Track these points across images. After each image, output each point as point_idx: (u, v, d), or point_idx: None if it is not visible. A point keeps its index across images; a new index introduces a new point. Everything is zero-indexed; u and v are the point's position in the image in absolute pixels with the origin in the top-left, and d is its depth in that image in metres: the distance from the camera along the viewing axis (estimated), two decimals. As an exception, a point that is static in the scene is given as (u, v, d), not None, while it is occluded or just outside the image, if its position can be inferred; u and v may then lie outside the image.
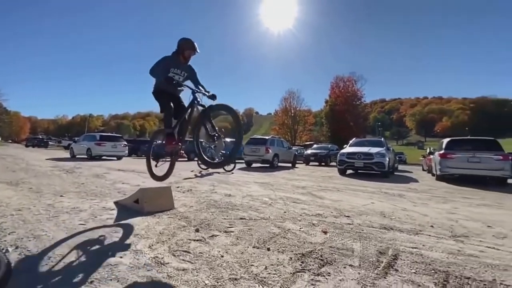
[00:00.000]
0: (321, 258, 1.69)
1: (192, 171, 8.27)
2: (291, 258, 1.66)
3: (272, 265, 1.56)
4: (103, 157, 13.15)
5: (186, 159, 9.86)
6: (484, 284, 1.46)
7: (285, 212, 3.05)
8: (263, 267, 1.52)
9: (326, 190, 5.12)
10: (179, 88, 3.07)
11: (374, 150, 8.98)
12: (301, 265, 1.57)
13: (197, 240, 1.99)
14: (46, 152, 18.87)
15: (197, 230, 2.23)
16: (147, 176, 6.28)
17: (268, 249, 1.80)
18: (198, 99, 2.86)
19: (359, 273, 1.51)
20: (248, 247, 1.85)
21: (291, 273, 1.45)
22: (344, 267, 1.58)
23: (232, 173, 8.20)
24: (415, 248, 2.00)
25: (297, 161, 14.23)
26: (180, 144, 3.06)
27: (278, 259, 1.65)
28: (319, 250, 1.84)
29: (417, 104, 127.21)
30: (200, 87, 2.99)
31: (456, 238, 2.32)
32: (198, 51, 2.94)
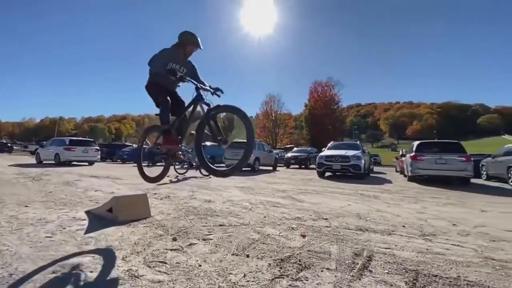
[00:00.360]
0: (299, 262, 1.71)
1: (168, 176, 8.05)
2: (269, 264, 1.66)
3: (251, 272, 1.55)
4: (74, 163, 12.44)
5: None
6: (450, 281, 1.55)
7: (265, 217, 3.06)
8: (241, 275, 1.51)
9: (305, 193, 5.21)
10: (176, 84, 2.81)
11: (350, 153, 9.32)
12: (279, 270, 1.58)
13: (174, 250, 1.93)
14: (10, 158, 17.45)
15: (174, 239, 2.16)
16: (122, 183, 6.03)
17: (247, 256, 1.80)
18: (203, 96, 2.57)
19: (335, 276, 1.55)
20: (227, 254, 1.83)
21: (269, 280, 1.45)
22: (322, 271, 1.61)
23: (210, 177, 8.08)
24: (388, 248, 2.09)
25: (278, 164, 14.37)
26: (179, 144, 2.79)
27: (257, 265, 1.65)
28: (297, 254, 1.86)
29: (390, 109, 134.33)
30: (202, 85, 2.70)
31: (425, 237, 2.46)
32: (201, 47, 2.71)
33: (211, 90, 2.65)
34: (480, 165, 11.10)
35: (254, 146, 2.34)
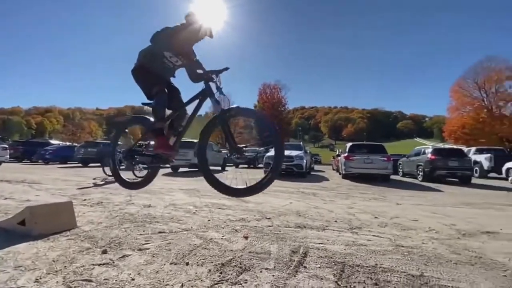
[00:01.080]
0: (240, 265, 1.73)
1: (94, 178, 7.25)
2: (210, 270, 1.64)
3: (189, 281, 1.50)
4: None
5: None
6: (369, 269, 1.78)
7: (209, 220, 3.01)
8: (179, 285, 1.45)
9: (251, 193, 5.32)
10: (174, 71, 2.38)
11: (294, 153, 9.92)
12: (219, 276, 1.57)
13: (103, 264, 1.74)
14: None
15: (104, 252, 1.95)
16: (43, 188, 5.17)
17: (187, 264, 1.74)
18: (214, 92, 2.17)
19: (273, 275, 1.62)
20: (164, 264, 1.73)
21: (208, 287, 1.43)
22: (261, 271, 1.67)
23: None
24: (321, 243, 2.28)
25: (227, 164, 14.32)
26: (175, 149, 2.31)
27: (196, 273, 1.61)
28: (238, 257, 1.88)
29: (329, 112, 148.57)
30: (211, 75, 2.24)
31: (352, 231, 2.77)
32: (212, 36, 2.30)
33: (220, 85, 2.22)
34: (398, 164, 13.11)
35: (283, 154, 2.07)
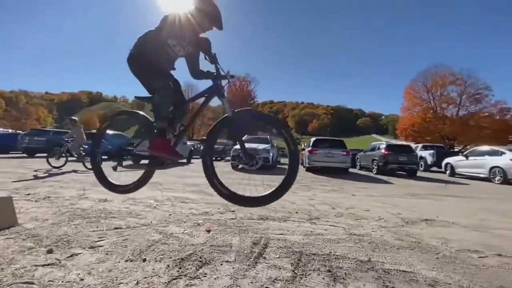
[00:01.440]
0: (200, 259, 1.73)
1: (35, 170, 6.59)
2: (168, 266, 1.60)
3: (145, 278, 1.45)
4: None
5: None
6: (324, 257, 1.90)
7: (170, 214, 2.92)
8: (134, 283, 1.39)
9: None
10: (174, 63, 2.13)
11: (261, 146, 10.07)
12: (178, 271, 1.54)
13: (48, 265, 1.59)
14: None
15: (49, 251, 1.78)
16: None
17: (144, 260, 1.67)
18: (222, 90, 2.01)
19: (233, 267, 1.64)
20: (119, 262, 1.65)
21: (165, 283, 1.40)
22: (221, 264, 1.68)
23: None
24: (282, 234, 2.37)
25: (193, 157, 13.97)
26: (177, 154, 2.09)
27: (154, 269, 1.56)
28: (199, 251, 1.87)
29: (296, 108, 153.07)
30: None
31: (311, 221, 2.92)
32: (222, 28, 2.06)
33: (229, 78, 2.05)
34: (356, 158, 14.09)
35: (297, 169, 2.05)
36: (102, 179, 2.29)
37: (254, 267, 1.66)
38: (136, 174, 2.25)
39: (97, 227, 2.33)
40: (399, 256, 2.00)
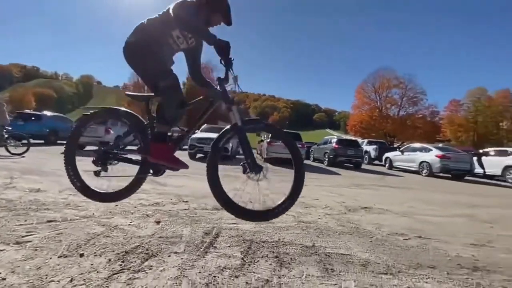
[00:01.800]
0: (146, 252, 1.65)
1: None
2: (109, 260, 1.50)
3: (82, 274, 1.34)
4: None
5: None
6: (272, 244, 1.99)
7: (116, 205, 2.72)
8: (67, 280, 1.27)
9: (171, 176, 5.04)
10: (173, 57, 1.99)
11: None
12: (120, 265, 1.45)
13: (-44, 266, 1.36)
14: None
15: (-41, 250, 1.52)
16: None
17: (81, 255, 1.53)
18: (228, 95, 1.90)
19: (181, 258, 1.61)
20: (51, 258, 1.48)
21: (105, 278, 1.31)
22: (169, 256, 1.63)
23: (23, 157, 6.33)
24: (234, 223, 2.41)
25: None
26: (182, 162, 1.95)
27: (92, 264, 1.44)
28: (146, 243, 1.79)
29: (258, 99, 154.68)
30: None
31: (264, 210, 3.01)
32: (231, 23, 1.94)
33: (237, 84, 1.93)
34: (310, 150, 14.95)
35: (303, 179, 2.12)
36: (79, 184, 2.15)
37: (204, 257, 1.65)
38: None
39: (26, 221, 2.05)
40: (340, 240, 2.19)
